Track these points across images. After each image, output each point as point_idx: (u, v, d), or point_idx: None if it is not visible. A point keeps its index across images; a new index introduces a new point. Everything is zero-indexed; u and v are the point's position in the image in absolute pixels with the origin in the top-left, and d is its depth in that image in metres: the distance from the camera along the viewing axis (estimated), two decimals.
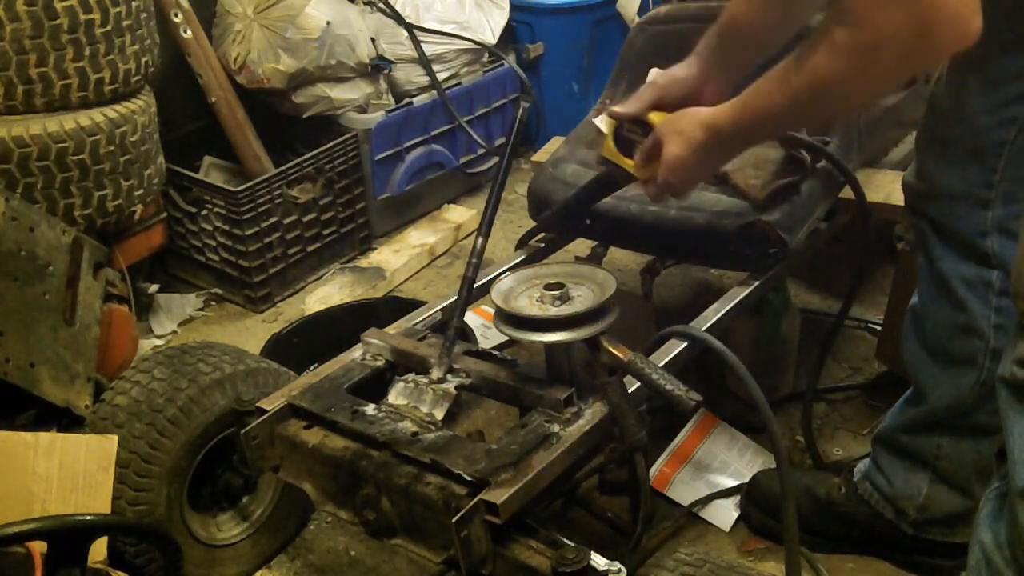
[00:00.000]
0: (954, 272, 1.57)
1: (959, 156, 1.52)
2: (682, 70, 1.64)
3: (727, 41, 1.61)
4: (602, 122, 2.23)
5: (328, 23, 2.83)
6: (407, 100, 3.12)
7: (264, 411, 1.57)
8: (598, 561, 1.27)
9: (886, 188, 2.07)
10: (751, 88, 1.39)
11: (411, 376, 1.57)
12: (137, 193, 2.45)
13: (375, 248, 3.13)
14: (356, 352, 1.71)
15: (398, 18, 3.12)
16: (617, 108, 1.63)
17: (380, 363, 1.67)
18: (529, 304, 1.48)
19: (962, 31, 1.17)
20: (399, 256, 3.05)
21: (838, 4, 1.20)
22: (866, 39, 1.20)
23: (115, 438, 1.65)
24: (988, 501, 1.18)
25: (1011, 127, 1.44)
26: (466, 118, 3.27)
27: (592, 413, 1.47)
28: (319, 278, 3.00)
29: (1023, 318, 1.08)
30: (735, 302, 1.82)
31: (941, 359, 1.63)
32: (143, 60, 2.42)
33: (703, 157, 1.49)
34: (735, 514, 1.96)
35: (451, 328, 1.59)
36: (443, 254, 3.14)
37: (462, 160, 3.36)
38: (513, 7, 3.41)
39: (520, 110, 1.84)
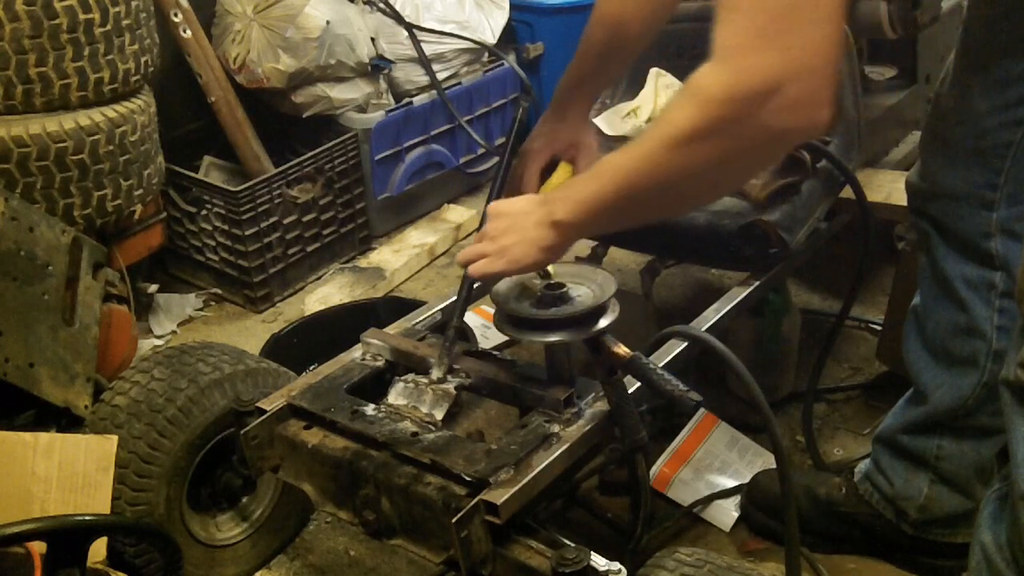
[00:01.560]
0: (956, 273, 1.57)
1: (963, 157, 1.51)
2: (553, 121, 1.69)
3: (608, 52, 1.63)
4: (602, 122, 2.23)
5: (328, 23, 2.83)
6: (407, 100, 3.11)
7: (264, 411, 1.56)
8: (598, 561, 1.27)
9: (886, 188, 2.06)
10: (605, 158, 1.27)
11: (411, 376, 1.57)
12: (137, 193, 2.45)
13: (375, 248, 3.13)
14: (356, 352, 1.71)
15: (398, 18, 3.12)
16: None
17: (380, 363, 1.67)
18: (529, 304, 1.48)
19: (816, 115, 1.09)
20: (399, 256, 3.04)
21: (712, 44, 1.11)
22: (732, 83, 1.09)
23: (114, 438, 1.65)
24: (989, 502, 1.18)
25: (1016, 129, 1.44)
26: (466, 118, 3.26)
27: (592, 413, 1.47)
28: (319, 278, 2.99)
29: None
30: (735, 302, 1.81)
31: (942, 360, 1.63)
32: (143, 60, 2.42)
33: (534, 219, 1.36)
34: (735, 514, 1.96)
35: (451, 328, 1.59)
36: (443, 254, 3.14)
37: (462, 160, 3.35)
38: (513, 7, 3.41)
39: (520, 110, 1.84)
